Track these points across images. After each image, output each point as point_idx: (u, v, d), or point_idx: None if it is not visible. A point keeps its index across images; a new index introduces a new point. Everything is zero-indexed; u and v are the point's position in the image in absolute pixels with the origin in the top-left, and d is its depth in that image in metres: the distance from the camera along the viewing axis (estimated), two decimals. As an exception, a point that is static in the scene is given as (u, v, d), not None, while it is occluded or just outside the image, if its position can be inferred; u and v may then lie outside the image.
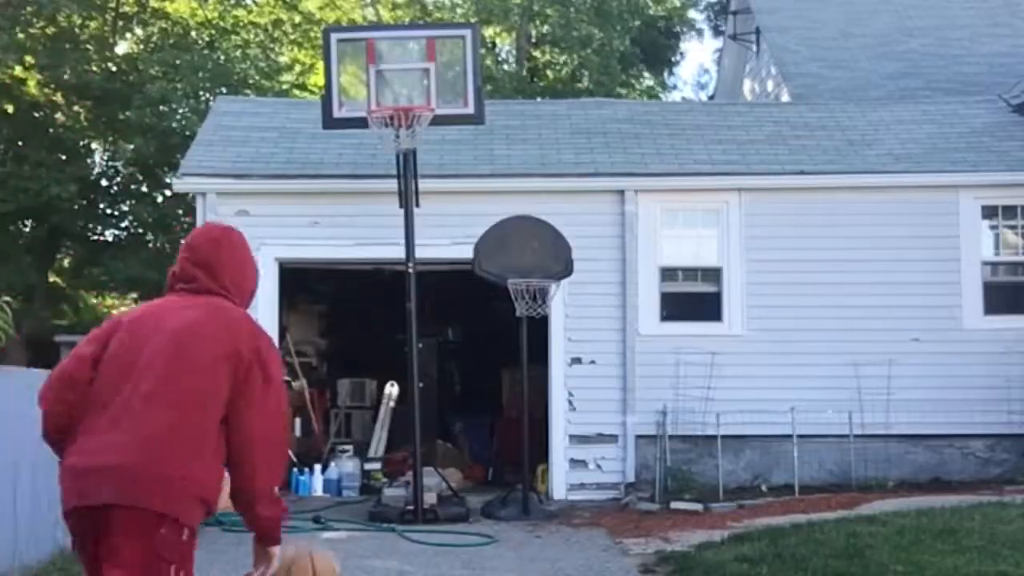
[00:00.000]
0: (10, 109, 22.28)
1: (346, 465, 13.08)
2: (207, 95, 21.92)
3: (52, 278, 24.34)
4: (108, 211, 24.01)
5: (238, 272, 4.04)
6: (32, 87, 22.76)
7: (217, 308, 3.87)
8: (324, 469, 13.06)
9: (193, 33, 25.47)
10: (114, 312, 27.09)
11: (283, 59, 27.80)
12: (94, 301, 26.89)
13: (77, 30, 23.49)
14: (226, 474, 3.75)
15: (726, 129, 14.07)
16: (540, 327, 12.13)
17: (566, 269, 11.57)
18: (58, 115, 23.16)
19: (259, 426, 3.73)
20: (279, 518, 3.93)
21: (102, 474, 3.52)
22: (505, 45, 31.67)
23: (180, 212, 21.86)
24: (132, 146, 21.88)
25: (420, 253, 11.51)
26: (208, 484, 3.70)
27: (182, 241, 4.22)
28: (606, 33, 27.87)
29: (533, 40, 30.89)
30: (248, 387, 3.72)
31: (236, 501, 3.85)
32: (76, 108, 23.14)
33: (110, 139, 23.75)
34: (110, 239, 23.92)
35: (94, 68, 23.06)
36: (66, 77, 22.46)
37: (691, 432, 12.23)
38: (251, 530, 3.93)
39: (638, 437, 12.33)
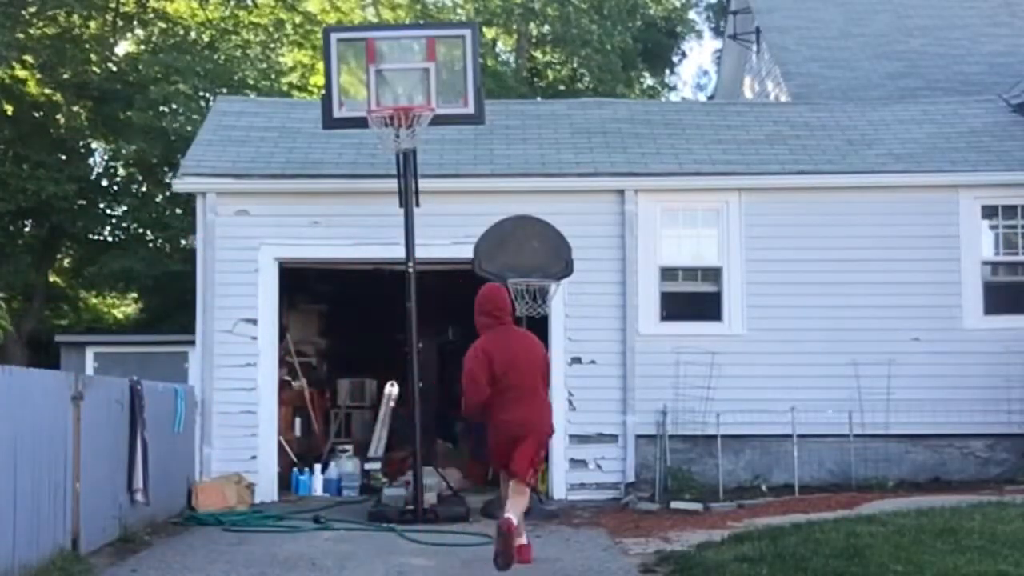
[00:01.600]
0: (10, 109, 22.27)
1: (346, 465, 13.09)
2: (207, 95, 21.92)
3: (52, 278, 24.32)
4: (108, 211, 24.00)
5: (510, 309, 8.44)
6: (32, 87, 22.76)
7: (525, 333, 8.64)
8: (324, 469, 13.07)
9: (193, 33, 25.46)
10: (115, 312, 27.07)
11: (284, 60, 27.80)
12: (94, 301, 26.87)
13: (77, 30, 23.47)
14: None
15: (726, 129, 14.07)
16: (540, 327, 12.12)
17: (566, 269, 11.57)
18: (58, 115, 23.15)
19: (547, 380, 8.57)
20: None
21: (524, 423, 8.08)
22: (505, 45, 31.67)
23: (180, 212, 21.85)
24: (133, 147, 21.87)
25: (420, 253, 11.51)
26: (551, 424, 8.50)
27: (480, 295, 8.24)
28: (606, 33, 27.86)
29: (533, 40, 30.88)
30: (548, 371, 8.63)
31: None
32: (76, 108, 23.13)
33: (110, 139, 23.74)
34: (110, 239, 23.90)
35: (94, 68, 23.06)
36: (66, 77, 22.46)
37: (691, 432, 12.23)
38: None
39: (638, 437, 12.33)
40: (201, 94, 22.32)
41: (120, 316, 27.14)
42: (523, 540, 8.05)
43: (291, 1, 27.15)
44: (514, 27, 29.63)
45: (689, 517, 10.58)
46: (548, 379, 8.61)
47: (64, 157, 22.51)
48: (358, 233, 12.51)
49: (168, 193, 21.46)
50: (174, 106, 21.83)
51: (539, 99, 25.11)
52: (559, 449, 12.41)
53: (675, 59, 34.41)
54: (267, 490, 12.23)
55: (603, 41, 27.69)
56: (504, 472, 8.30)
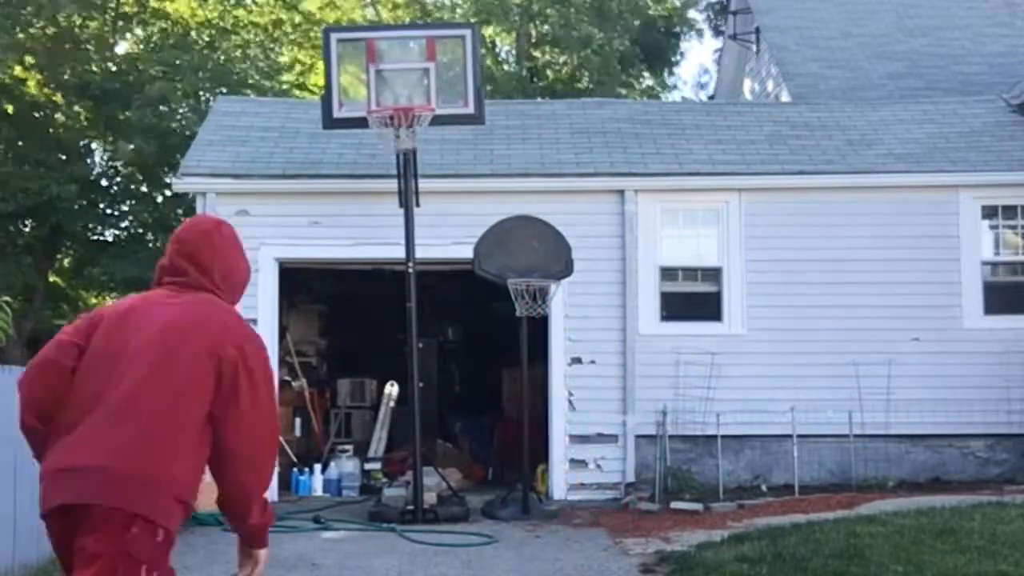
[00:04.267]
0: (10, 109, 22.28)
1: (346, 465, 13.08)
2: (207, 95, 21.92)
3: (52, 278, 24.33)
4: (108, 211, 24.01)
5: (228, 266, 3.84)
6: (32, 87, 22.77)
7: (205, 304, 3.70)
8: (324, 469, 13.07)
9: (193, 33, 25.47)
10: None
11: (283, 59, 27.81)
12: (94, 301, 26.87)
13: (77, 30, 23.48)
14: (210, 476, 3.63)
15: (726, 129, 14.07)
16: (540, 327, 12.13)
17: (566, 269, 11.57)
18: (58, 115, 23.16)
19: (245, 431, 3.56)
20: (268, 525, 3.85)
21: (78, 474, 3.41)
22: (505, 45, 31.67)
23: (180, 212, 21.86)
24: (132, 146, 21.87)
25: (420, 253, 11.51)
26: (187, 483, 3.53)
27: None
28: (606, 33, 27.86)
29: (533, 40, 30.88)
30: (233, 390, 3.54)
31: (223, 507, 3.74)
32: (76, 108, 23.14)
33: (110, 139, 23.75)
34: (110, 239, 23.91)
35: (94, 68, 23.07)
36: (66, 77, 22.48)
37: (691, 432, 12.23)
38: (239, 534, 3.90)
39: (638, 437, 12.33)
40: (201, 93, 22.33)
41: (120, 316, 27.13)
42: None
43: (290, 1, 27.16)
44: (514, 27, 29.63)
45: (689, 517, 10.58)
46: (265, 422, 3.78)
47: (64, 157, 22.54)
48: (358, 233, 12.50)
49: (168, 193, 21.49)
50: (173, 105, 21.83)
51: (539, 99, 25.10)
52: (559, 449, 12.41)
53: (675, 59, 34.37)
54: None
55: (603, 42, 27.69)
56: None
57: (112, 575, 3.36)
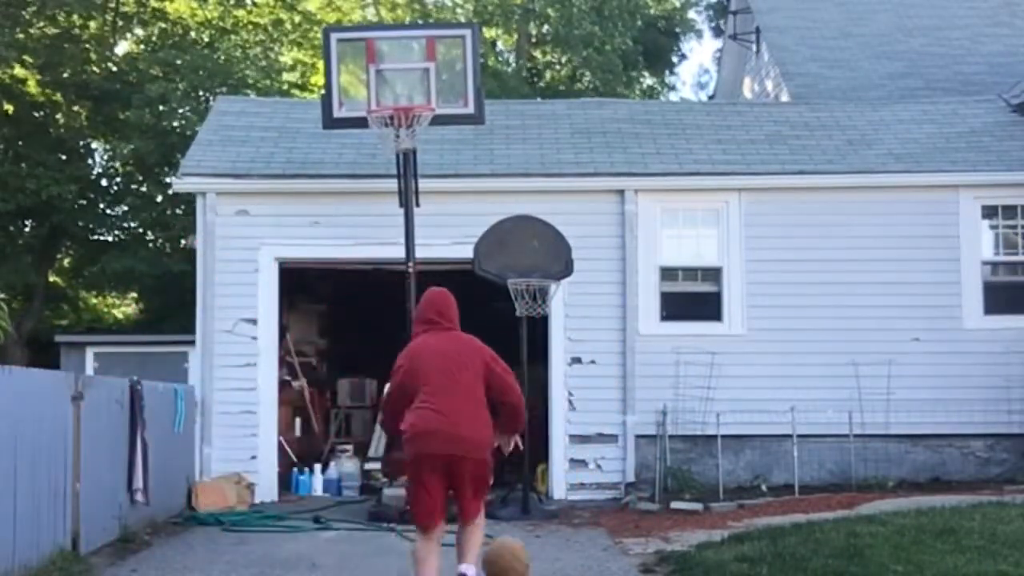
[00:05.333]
0: (10, 109, 22.28)
1: (346, 465, 13.09)
2: (207, 95, 21.92)
3: (52, 278, 24.32)
4: (108, 211, 24.00)
5: (454, 314, 6.76)
6: (32, 87, 22.76)
7: (458, 335, 6.70)
8: (324, 469, 13.07)
9: (193, 33, 25.46)
10: (115, 312, 27.07)
11: (284, 59, 27.80)
12: (94, 301, 26.87)
13: (77, 30, 23.47)
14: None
15: (726, 129, 14.07)
16: (540, 327, 12.13)
17: (566, 269, 11.57)
18: (58, 115, 23.15)
19: (507, 390, 6.57)
20: (522, 427, 6.93)
21: (444, 436, 6.27)
22: (505, 45, 31.67)
23: (180, 211, 21.85)
24: (133, 146, 21.87)
25: (420, 253, 11.51)
26: (491, 437, 6.53)
27: (421, 302, 6.89)
28: (606, 32, 27.85)
29: (533, 40, 30.88)
30: (495, 375, 6.52)
31: (506, 426, 6.64)
32: (76, 108, 23.13)
33: (110, 139, 23.75)
34: (110, 239, 23.91)
35: (94, 68, 23.06)
36: (66, 77, 22.46)
37: (691, 432, 12.23)
38: (509, 433, 6.77)
39: (638, 437, 12.33)
40: (201, 94, 22.32)
41: (120, 316, 27.15)
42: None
43: (290, 1, 27.15)
44: (514, 27, 29.62)
45: (689, 517, 10.57)
46: (516, 398, 6.61)
47: (64, 157, 22.52)
48: (358, 233, 12.50)
49: (168, 193, 21.46)
50: (173, 105, 21.82)
51: (539, 99, 25.09)
52: (559, 449, 12.41)
53: (675, 59, 34.39)
54: (267, 490, 12.23)
55: (603, 41, 27.68)
56: (427, 529, 6.39)
57: (475, 483, 6.49)
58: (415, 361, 6.49)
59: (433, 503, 6.35)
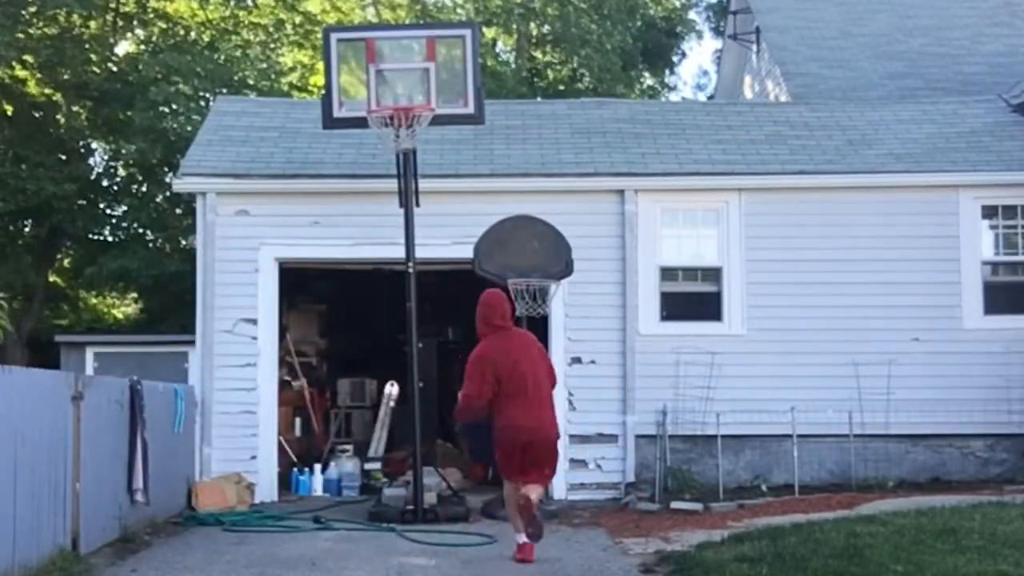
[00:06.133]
0: (10, 109, 22.28)
1: (346, 465, 13.08)
2: (207, 96, 21.92)
3: (52, 278, 24.33)
4: (108, 211, 24.00)
5: (509, 313, 8.90)
6: (32, 87, 22.76)
7: (520, 332, 9.03)
8: (324, 469, 13.07)
9: (193, 33, 25.45)
10: (115, 312, 27.07)
11: (284, 61, 27.79)
12: (94, 301, 26.87)
13: (77, 30, 23.47)
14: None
15: (726, 129, 14.07)
16: (540, 327, 12.12)
17: (566, 269, 11.57)
18: (58, 115, 23.15)
19: (553, 374, 8.93)
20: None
21: (534, 430, 8.47)
22: (505, 45, 31.67)
23: (180, 211, 21.86)
24: (133, 147, 21.88)
25: (420, 253, 11.51)
26: (557, 426, 8.87)
27: (484, 306, 8.75)
28: (606, 31, 27.85)
29: (533, 40, 30.88)
30: (549, 365, 8.94)
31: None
32: (76, 108, 23.13)
33: (110, 139, 23.74)
34: (110, 239, 23.91)
35: (94, 68, 23.06)
36: (66, 77, 22.46)
37: (691, 432, 12.23)
38: None
39: (638, 437, 12.33)
40: (201, 94, 22.32)
41: (120, 316, 27.16)
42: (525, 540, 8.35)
43: (291, 1, 27.15)
44: (514, 27, 29.62)
45: (689, 517, 10.58)
46: (554, 379, 8.89)
47: (64, 157, 22.53)
48: (358, 233, 12.50)
49: (168, 193, 21.47)
50: (174, 106, 21.82)
51: (539, 99, 25.09)
52: (559, 449, 12.38)
53: (675, 59, 34.40)
54: (267, 490, 12.23)
55: (603, 41, 27.68)
56: (515, 482, 8.50)
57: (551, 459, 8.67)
58: (498, 358, 8.46)
59: (517, 470, 8.49)
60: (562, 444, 12.26)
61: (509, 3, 28.12)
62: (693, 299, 12.83)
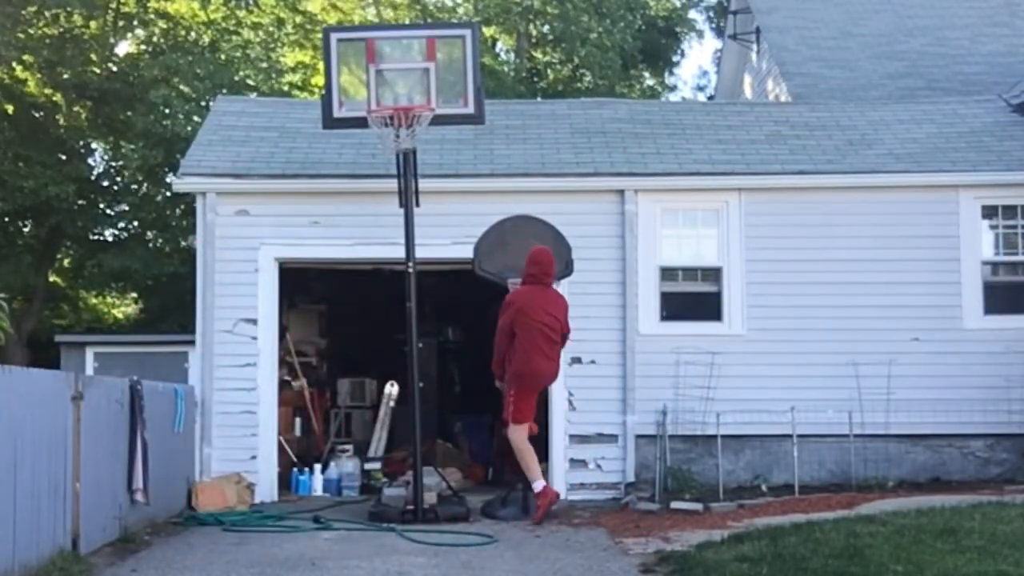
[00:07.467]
0: (10, 109, 22.29)
1: (346, 465, 13.08)
2: (208, 96, 21.92)
3: (52, 278, 24.33)
4: (108, 211, 24.01)
5: (553, 271, 10.77)
6: (32, 87, 22.77)
7: (552, 290, 10.82)
8: (324, 469, 13.07)
9: (194, 34, 25.46)
10: (115, 312, 27.08)
11: (284, 61, 27.80)
12: (94, 301, 26.88)
13: (78, 30, 23.48)
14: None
15: (726, 129, 14.07)
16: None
17: (566, 269, 11.57)
18: (58, 115, 23.16)
19: (567, 327, 10.85)
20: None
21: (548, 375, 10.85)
22: (505, 45, 31.67)
23: (180, 211, 21.87)
24: (134, 147, 21.89)
25: (420, 253, 11.50)
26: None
27: (532, 258, 10.67)
28: (606, 29, 27.85)
29: (533, 40, 30.88)
30: (566, 319, 10.82)
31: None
32: (76, 108, 23.14)
33: (110, 139, 23.75)
34: (110, 239, 23.91)
35: (94, 68, 23.07)
36: (66, 77, 22.47)
37: (691, 432, 12.23)
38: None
39: (638, 437, 12.33)
40: (202, 94, 22.33)
41: (120, 316, 27.18)
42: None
43: (291, 1, 27.16)
44: (514, 27, 29.63)
45: (689, 517, 10.57)
46: (565, 341, 10.85)
47: (64, 157, 22.55)
48: (358, 233, 12.50)
49: (168, 193, 21.49)
50: (176, 107, 21.83)
51: (539, 99, 25.10)
52: (559, 449, 12.42)
53: (675, 59, 34.42)
54: (267, 490, 12.23)
55: (603, 40, 27.68)
56: (528, 422, 10.55)
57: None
58: (526, 304, 10.52)
59: (532, 411, 10.53)
60: (562, 444, 12.45)
61: (509, 3, 28.12)
62: (693, 299, 12.83)
